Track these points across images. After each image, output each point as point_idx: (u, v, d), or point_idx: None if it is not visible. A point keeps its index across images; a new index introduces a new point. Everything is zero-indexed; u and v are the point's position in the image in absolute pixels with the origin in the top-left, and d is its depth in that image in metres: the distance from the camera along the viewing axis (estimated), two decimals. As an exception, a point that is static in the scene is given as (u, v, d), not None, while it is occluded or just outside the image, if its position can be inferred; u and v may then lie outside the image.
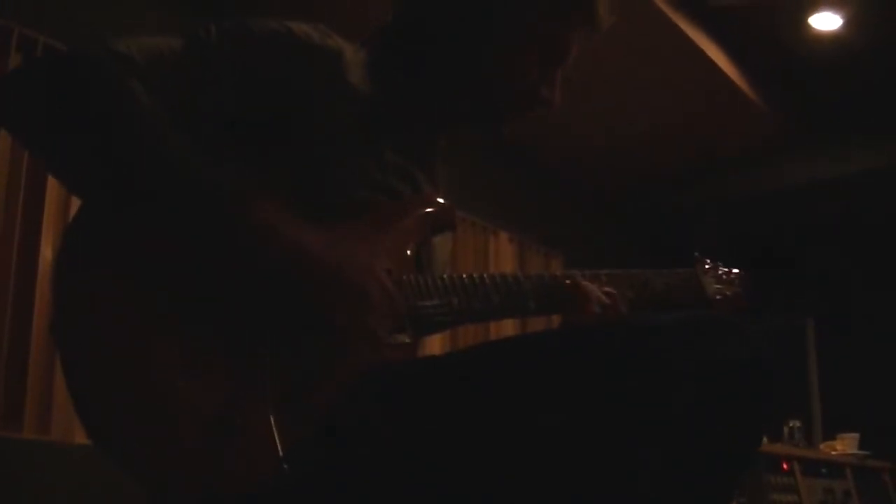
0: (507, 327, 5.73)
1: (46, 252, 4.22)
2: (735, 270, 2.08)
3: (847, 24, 6.19)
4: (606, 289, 1.79)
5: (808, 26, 6.26)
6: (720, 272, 2.05)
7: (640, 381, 1.30)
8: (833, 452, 6.74)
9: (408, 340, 1.55)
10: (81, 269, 1.40)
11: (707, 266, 2.04)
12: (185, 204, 1.37)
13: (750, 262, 2.13)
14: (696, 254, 2.05)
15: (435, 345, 4.87)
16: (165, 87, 1.45)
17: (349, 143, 1.60)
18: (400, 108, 1.71)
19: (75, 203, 1.48)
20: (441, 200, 1.72)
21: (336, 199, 1.55)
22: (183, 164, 1.38)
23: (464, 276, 1.64)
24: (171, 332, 1.36)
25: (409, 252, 1.60)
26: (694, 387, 1.30)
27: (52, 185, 4.30)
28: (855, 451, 6.76)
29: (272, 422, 1.34)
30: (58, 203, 4.32)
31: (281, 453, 1.33)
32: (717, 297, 2.00)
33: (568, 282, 1.75)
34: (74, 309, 1.38)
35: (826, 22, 6.20)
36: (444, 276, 1.63)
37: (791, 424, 6.74)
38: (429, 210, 1.67)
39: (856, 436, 6.87)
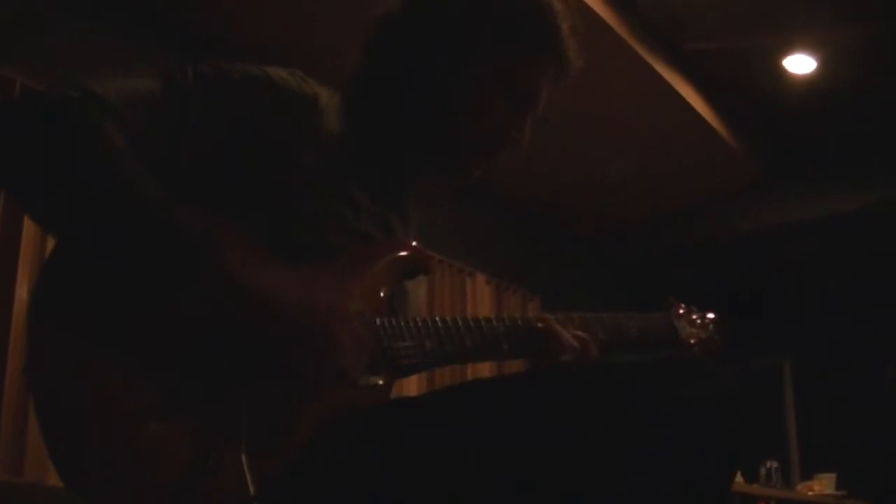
0: (484, 368, 5.72)
1: (21, 292, 4.20)
2: (710, 315, 2.08)
3: (821, 67, 6.24)
4: (578, 332, 1.79)
5: (783, 69, 6.31)
6: (695, 316, 2.06)
7: (611, 421, 1.31)
8: (810, 493, 6.76)
9: (381, 382, 1.54)
10: (55, 312, 1.39)
11: (682, 310, 2.05)
12: (155, 248, 1.36)
13: (727, 304, 2.13)
14: (671, 298, 2.06)
15: (412, 386, 4.85)
16: (141, 130, 1.45)
17: (323, 187, 1.59)
18: (374, 152, 1.71)
19: (51, 243, 1.48)
20: (414, 245, 1.72)
21: (309, 243, 1.55)
22: (153, 208, 1.38)
23: (437, 319, 1.64)
24: (142, 376, 1.35)
25: (381, 295, 1.60)
26: (665, 427, 1.31)
27: (29, 225, 4.28)
28: (832, 491, 6.78)
29: (244, 462, 1.34)
30: (34, 243, 4.30)
31: (253, 493, 1.33)
32: (692, 340, 2.00)
33: (540, 325, 1.76)
34: (47, 352, 1.37)
35: (800, 65, 6.26)
36: (418, 318, 1.63)
37: (768, 465, 6.76)
38: (402, 254, 1.68)
39: (833, 476, 6.89)
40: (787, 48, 6.14)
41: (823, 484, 6.86)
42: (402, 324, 1.61)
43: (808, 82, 6.39)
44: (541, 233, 7.96)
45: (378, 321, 1.56)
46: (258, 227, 1.51)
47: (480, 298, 7.07)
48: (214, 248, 1.37)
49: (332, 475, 1.40)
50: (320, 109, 1.64)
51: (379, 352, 1.54)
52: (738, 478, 5.97)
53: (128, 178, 1.39)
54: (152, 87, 1.51)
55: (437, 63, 1.71)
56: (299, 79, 1.64)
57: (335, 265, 1.55)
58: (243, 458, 1.34)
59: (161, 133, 1.48)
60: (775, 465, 6.79)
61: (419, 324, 1.63)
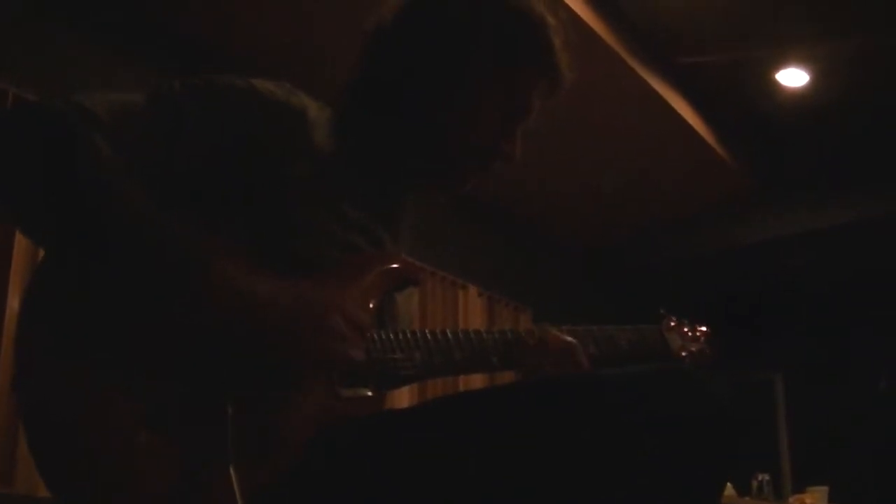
0: (476, 379, 5.72)
1: (14, 303, 4.19)
2: (700, 328, 2.08)
3: (814, 81, 6.25)
4: (568, 339, 1.79)
5: (776, 82, 6.32)
6: (685, 329, 2.05)
7: (601, 432, 1.32)
8: (802, 505, 6.74)
9: (370, 394, 1.54)
10: (44, 321, 1.40)
11: (672, 323, 2.04)
12: (142, 260, 1.36)
13: (719, 317, 2.13)
14: (662, 311, 2.06)
15: (403, 397, 4.85)
16: (129, 143, 1.44)
17: (311, 200, 1.59)
18: (363, 165, 1.71)
19: (43, 254, 1.48)
20: (403, 257, 1.72)
21: (300, 254, 1.55)
22: (140, 220, 1.37)
23: (427, 331, 1.64)
24: (130, 388, 1.35)
25: (370, 306, 1.60)
26: (655, 437, 1.31)
27: (21, 236, 4.27)
28: (824, 504, 6.76)
29: (232, 474, 1.33)
30: (26, 254, 4.29)
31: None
32: (683, 353, 2.00)
33: (530, 339, 1.76)
34: (35, 365, 1.37)
35: (793, 78, 6.27)
36: (408, 331, 1.63)
37: (760, 478, 6.75)
38: (390, 266, 1.67)
39: (825, 489, 6.87)
40: (780, 62, 6.15)
41: (815, 497, 6.84)
42: (392, 336, 1.61)
43: (801, 95, 6.40)
44: (533, 245, 7.96)
45: (367, 333, 1.56)
46: (249, 239, 1.51)
47: (472, 310, 7.07)
48: (205, 258, 1.37)
49: (323, 486, 1.40)
50: (309, 121, 1.64)
51: (368, 363, 1.54)
52: (730, 490, 5.97)
53: (115, 190, 1.38)
54: (139, 100, 1.51)
55: (433, 72, 1.72)
56: (287, 91, 1.64)
57: (324, 276, 1.55)
58: (231, 469, 1.34)
59: (149, 145, 1.48)
60: (767, 477, 6.78)
61: (408, 336, 1.63)
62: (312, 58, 3.92)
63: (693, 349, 2.02)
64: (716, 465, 1.38)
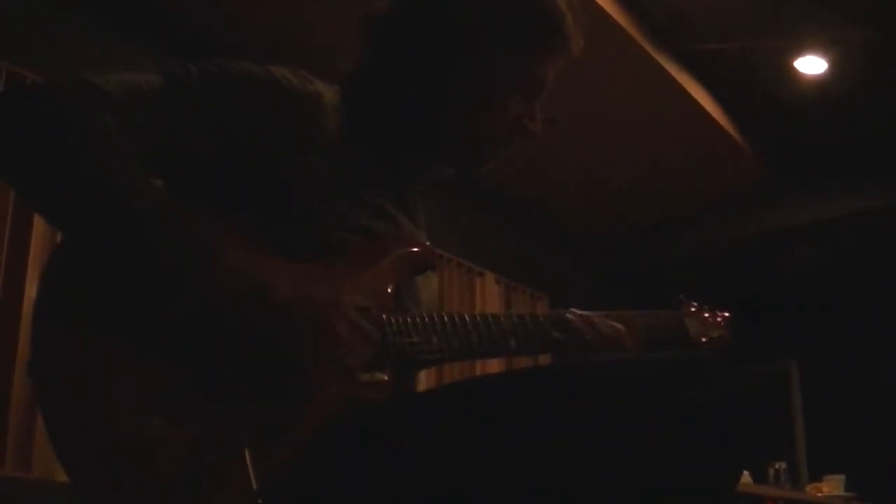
0: (494, 363, 5.74)
1: (31, 290, 4.20)
2: (720, 313, 2.07)
3: (832, 68, 6.23)
4: (615, 324, 1.79)
5: (794, 70, 6.29)
6: (705, 315, 2.04)
7: (617, 421, 1.31)
8: (819, 494, 6.75)
9: (385, 378, 1.54)
10: (58, 310, 1.40)
11: (692, 309, 2.03)
12: (147, 247, 1.36)
13: (735, 307, 2.12)
14: (681, 296, 2.05)
15: (421, 380, 4.86)
16: (141, 124, 1.44)
17: (327, 186, 1.58)
18: (378, 150, 1.70)
19: (62, 243, 1.48)
20: (420, 241, 1.71)
21: (314, 241, 1.54)
22: (145, 206, 1.37)
23: (444, 315, 1.64)
24: (144, 372, 1.36)
25: (388, 290, 1.60)
26: (671, 428, 1.31)
27: (39, 223, 4.29)
28: (841, 492, 6.77)
29: (247, 457, 1.33)
30: (43, 241, 4.31)
31: (255, 487, 1.32)
32: (702, 339, 1.99)
33: (548, 323, 1.75)
34: (50, 349, 1.37)
35: (811, 66, 6.24)
36: (425, 315, 1.62)
37: (777, 466, 6.75)
38: (408, 250, 1.67)
39: (841, 477, 6.88)
40: (798, 49, 6.13)
41: (832, 485, 6.85)
42: (409, 320, 1.60)
43: (819, 83, 6.37)
44: (549, 233, 7.99)
45: (384, 317, 1.56)
46: (261, 226, 1.50)
47: (490, 297, 7.12)
48: (214, 247, 1.37)
49: (334, 475, 1.40)
50: (323, 108, 1.63)
51: (384, 348, 1.54)
52: (747, 478, 5.97)
53: (122, 173, 1.38)
54: (154, 81, 1.50)
55: (440, 60, 1.70)
56: (302, 77, 1.63)
57: (340, 262, 1.55)
58: (246, 453, 1.34)
59: (160, 128, 1.47)
60: (784, 466, 6.78)
61: (426, 320, 1.62)
62: (307, 50, 3.89)
63: (713, 335, 2.01)
64: (732, 455, 1.38)
